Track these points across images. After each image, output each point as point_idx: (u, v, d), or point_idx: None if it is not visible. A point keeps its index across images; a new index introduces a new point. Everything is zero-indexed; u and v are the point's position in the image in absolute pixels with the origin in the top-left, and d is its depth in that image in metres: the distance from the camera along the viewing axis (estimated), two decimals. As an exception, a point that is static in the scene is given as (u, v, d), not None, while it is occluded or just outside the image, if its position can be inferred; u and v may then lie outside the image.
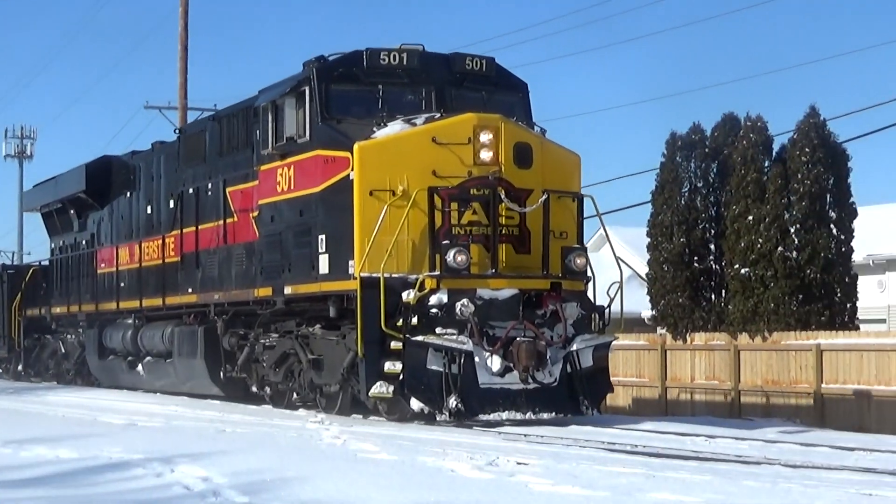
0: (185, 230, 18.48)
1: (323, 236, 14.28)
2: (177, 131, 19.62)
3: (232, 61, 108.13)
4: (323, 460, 10.47)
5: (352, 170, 13.57)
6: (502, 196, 13.42)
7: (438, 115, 14.01)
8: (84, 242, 24.36)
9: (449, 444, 11.81)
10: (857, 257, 24.29)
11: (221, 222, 17.12)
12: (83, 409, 18.09)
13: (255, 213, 16.06)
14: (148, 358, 20.07)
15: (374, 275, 13.10)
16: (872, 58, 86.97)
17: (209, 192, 17.81)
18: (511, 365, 12.92)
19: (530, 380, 12.95)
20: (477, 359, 12.80)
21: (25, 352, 28.00)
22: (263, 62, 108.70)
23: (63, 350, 25.65)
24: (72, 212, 24.99)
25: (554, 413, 13.21)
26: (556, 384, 13.18)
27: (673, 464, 10.12)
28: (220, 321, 17.28)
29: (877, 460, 10.57)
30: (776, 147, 22.96)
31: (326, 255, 14.19)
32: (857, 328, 21.95)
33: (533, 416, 13.06)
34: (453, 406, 12.69)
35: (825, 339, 19.70)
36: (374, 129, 13.93)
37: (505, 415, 12.98)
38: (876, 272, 32.17)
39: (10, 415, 17.36)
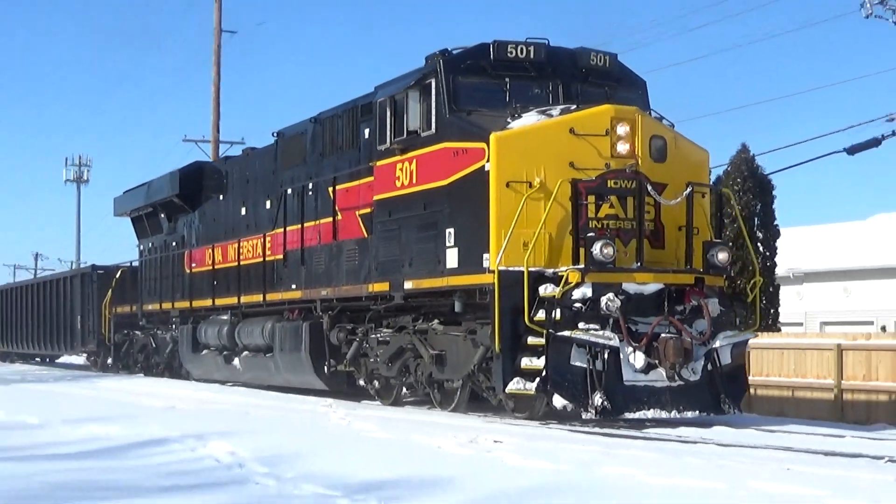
0: (288, 229, 18.25)
1: (451, 230, 13.63)
2: (274, 135, 19.32)
3: (257, 101, 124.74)
4: (330, 438, 11.77)
5: (487, 161, 12.89)
6: (649, 189, 12.77)
7: (574, 106, 13.45)
8: (174, 244, 24.64)
9: (438, 425, 12.91)
10: (780, 271, 27.53)
11: (328, 220, 16.83)
12: (129, 394, 19.61)
13: (368, 210, 15.60)
14: (245, 353, 19.96)
15: (514, 268, 12.43)
16: (795, 103, 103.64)
17: (310, 192, 17.59)
18: (655, 362, 12.22)
19: (676, 377, 12.24)
20: (622, 355, 12.16)
21: (115, 346, 28.60)
22: (285, 101, 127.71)
23: (154, 345, 26.08)
24: (162, 215, 25.48)
25: (697, 412, 12.58)
26: (698, 381, 12.52)
27: (625, 443, 11.10)
28: (325, 317, 16.92)
29: (793, 441, 11.34)
30: (713, 178, 25.03)
31: (455, 249, 13.51)
32: (779, 330, 24.42)
33: (677, 415, 12.42)
34: (599, 404, 11.96)
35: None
36: (509, 119, 13.36)
37: (650, 413, 12.27)
38: (795, 283, 37.36)
39: (67, 398, 18.74)
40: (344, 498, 7.83)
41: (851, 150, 22.96)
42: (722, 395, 12.84)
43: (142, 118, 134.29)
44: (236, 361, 20.40)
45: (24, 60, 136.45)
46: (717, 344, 12.70)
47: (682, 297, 12.83)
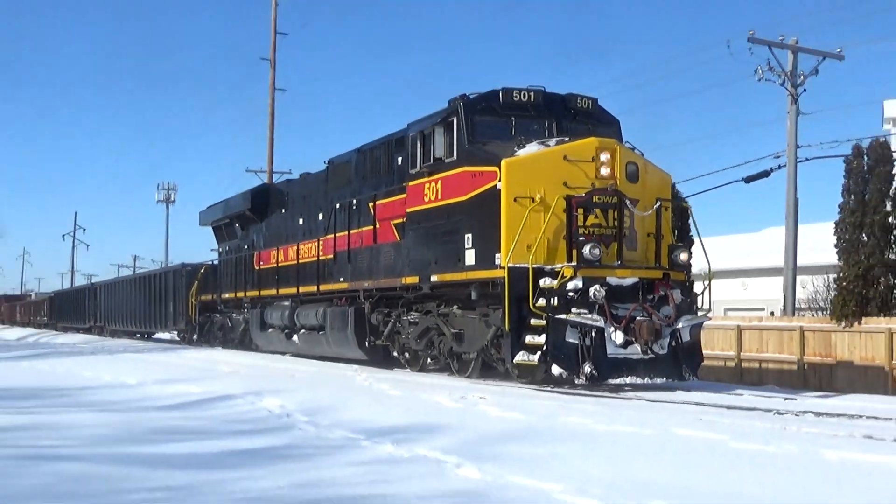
0: (337, 235, 20.23)
1: (469, 235, 15.15)
2: (326, 163, 21.83)
3: (303, 137, 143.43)
4: (355, 393, 13.06)
5: (499, 181, 14.39)
6: (626, 203, 14.24)
7: (566, 138, 14.85)
8: (245, 247, 27.41)
9: (437, 385, 14.15)
10: (694, 270, 28.19)
11: (369, 228, 18.70)
12: (205, 362, 21.40)
13: (400, 220, 17.25)
14: (302, 330, 22.22)
15: (520, 265, 13.81)
16: (709, 144, 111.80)
17: (354, 207, 19.45)
18: (632, 339, 13.59)
19: (649, 351, 13.69)
20: (606, 334, 13.50)
21: (199, 325, 32.29)
22: (323, 137, 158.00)
23: (230, 325, 29.26)
24: (236, 225, 28.45)
25: (664, 378, 13.91)
26: (666, 355, 13.92)
27: (579, 399, 12.39)
28: (367, 303, 18.91)
29: (705, 398, 12.61)
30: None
31: (473, 251, 15.08)
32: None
33: (649, 381, 13.73)
34: (588, 372, 13.39)
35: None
36: (516, 149, 14.70)
37: (629, 379, 13.65)
38: (705, 279, 38.27)
39: (158, 365, 20.55)
40: (366, 440, 8.71)
41: (748, 180, 28.73)
42: (683, 365, 14.18)
43: (215, 153, 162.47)
44: (295, 337, 22.72)
45: (135, 112, 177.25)
46: (679, 325, 14.05)
47: (653, 288, 14.18)
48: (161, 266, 47.59)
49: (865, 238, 22.17)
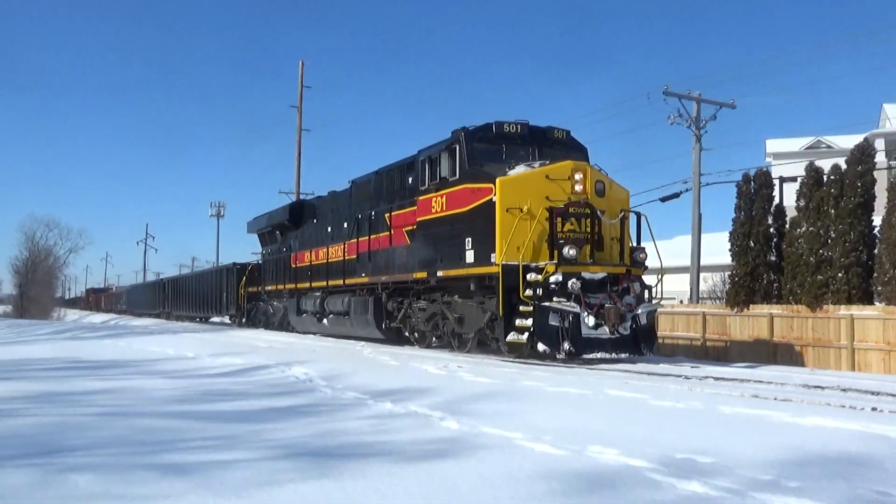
0: (360, 239, 19.79)
1: (470, 238, 14.70)
2: (349, 182, 21.43)
3: (324, 160, 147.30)
4: (363, 364, 12.96)
5: (494, 195, 13.99)
6: (599, 214, 13.96)
7: (548, 161, 14.53)
8: (284, 249, 26.96)
9: (426, 357, 14.05)
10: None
11: (385, 234, 18.27)
12: (249, 339, 21.09)
13: (411, 227, 16.82)
14: (331, 315, 21.70)
15: (511, 262, 13.42)
16: (633, 170, 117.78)
17: (373, 217, 19.04)
18: (602, 322, 13.20)
19: (616, 332, 13.32)
20: (581, 318, 13.09)
21: (247, 311, 32.02)
22: (343, 161, 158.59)
23: (271, 311, 28.70)
24: (277, 232, 27.83)
25: (627, 354, 13.58)
26: (628, 335, 13.54)
27: (535, 367, 12.47)
28: (384, 293, 18.44)
29: (631, 367, 12.61)
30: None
31: (472, 251, 14.62)
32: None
33: (615, 356, 13.35)
34: (567, 349, 13.01)
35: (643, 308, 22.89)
36: (507, 170, 14.34)
37: (599, 355, 13.27)
38: None
39: (212, 342, 20.11)
40: (371, 399, 8.71)
41: (663, 199, 29.13)
42: (642, 343, 13.78)
43: (256, 177, 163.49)
44: (325, 321, 22.26)
45: (196, 146, 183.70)
46: (639, 311, 13.67)
47: (617, 281, 13.82)
48: (213, 266, 47.92)
49: (752, 244, 22.48)
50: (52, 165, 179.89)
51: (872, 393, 9.45)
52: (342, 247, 21.42)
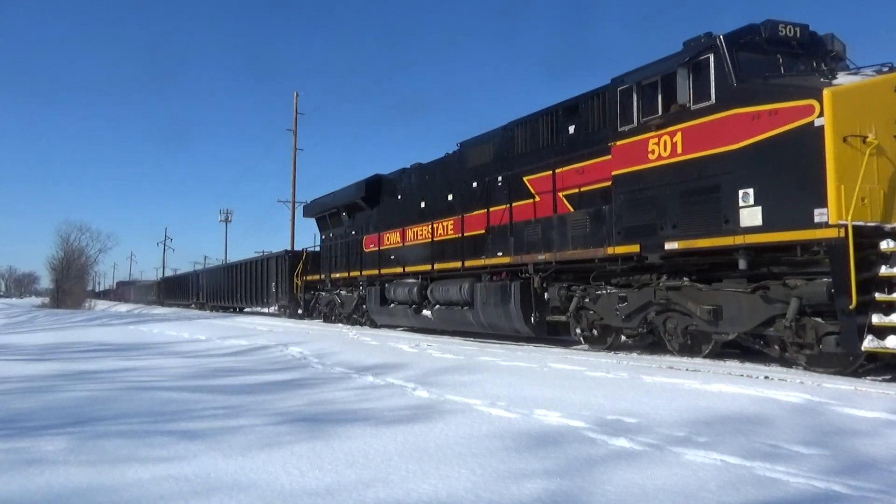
0: (491, 209, 13.56)
1: (750, 190, 8.63)
2: (458, 145, 15.37)
3: (317, 167, 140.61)
4: (348, 344, 12.71)
5: (818, 116, 7.95)
6: None
7: (887, 67, 8.51)
8: (353, 232, 20.30)
9: (401, 338, 13.77)
10: None
11: (529, 201, 12.72)
12: (248, 324, 21.02)
13: (593, 187, 11.15)
14: (437, 306, 15.40)
15: (863, 222, 7.60)
16: None
17: (501, 182, 13.30)
18: None
19: None
20: None
21: (305, 302, 24.77)
22: (336, 170, 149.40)
23: (339, 301, 21.70)
24: (344, 214, 21.04)
25: None
26: None
27: (491, 346, 12.30)
28: (536, 276, 12.41)
29: (548, 351, 11.38)
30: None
31: (758, 208, 8.54)
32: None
33: None
34: None
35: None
36: (823, 80, 8.40)
37: None
38: None
39: (220, 327, 19.90)
40: (356, 373, 8.50)
41: None
42: None
43: (257, 189, 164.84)
44: (427, 312, 15.99)
45: (206, 157, 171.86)
46: None
47: None
48: (257, 255, 41.99)
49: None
50: (84, 178, 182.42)
51: (765, 364, 9.58)
52: (452, 222, 15.15)
